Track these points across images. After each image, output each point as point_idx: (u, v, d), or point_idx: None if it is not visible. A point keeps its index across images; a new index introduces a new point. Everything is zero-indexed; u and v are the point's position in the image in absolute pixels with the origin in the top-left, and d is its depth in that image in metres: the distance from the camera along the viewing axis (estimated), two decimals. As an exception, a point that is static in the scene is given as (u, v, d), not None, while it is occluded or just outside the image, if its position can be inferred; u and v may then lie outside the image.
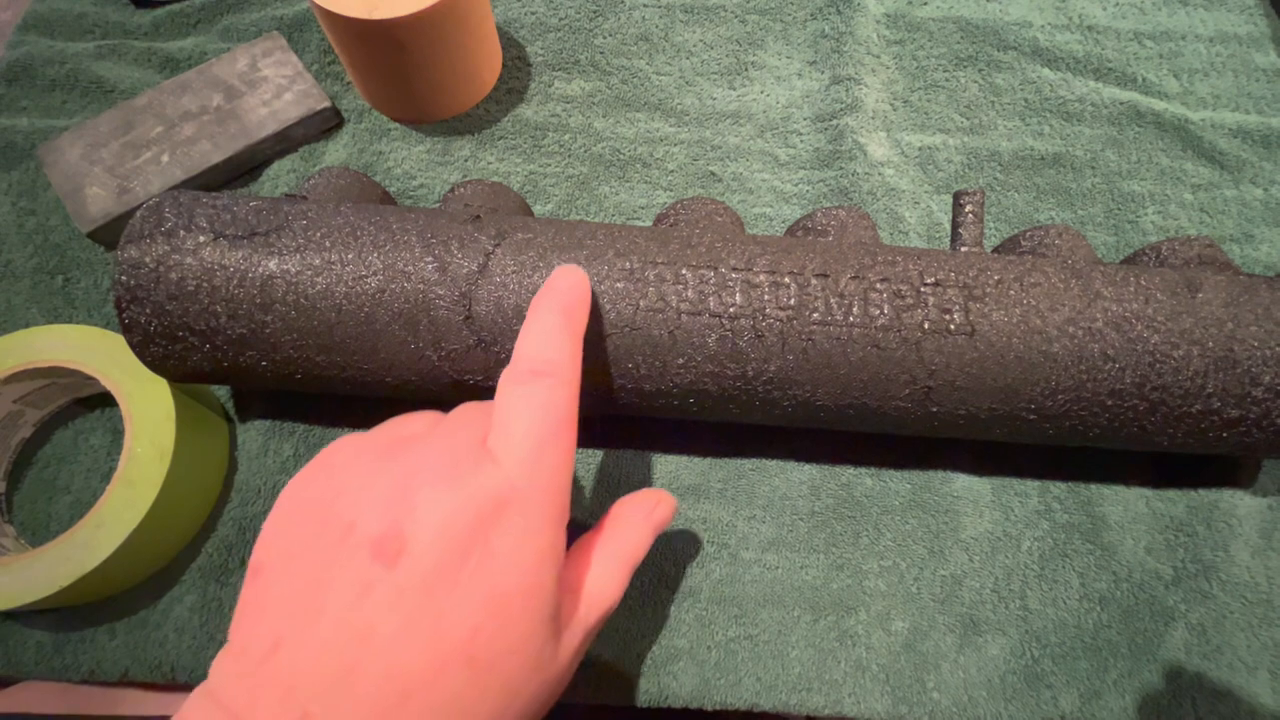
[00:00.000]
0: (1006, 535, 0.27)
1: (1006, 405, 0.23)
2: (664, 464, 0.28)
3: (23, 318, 0.29)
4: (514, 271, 0.22)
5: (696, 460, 0.28)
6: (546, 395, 0.18)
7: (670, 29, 0.36)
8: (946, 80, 0.35)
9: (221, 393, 0.28)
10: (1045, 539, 0.27)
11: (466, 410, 0.20)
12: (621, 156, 0.33)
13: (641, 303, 0.22)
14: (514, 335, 0.22)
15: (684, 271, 0.22)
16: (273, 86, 0.31)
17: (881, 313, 0.22)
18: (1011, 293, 0.22)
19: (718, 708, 0.25)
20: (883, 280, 0.22)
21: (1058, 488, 0.28)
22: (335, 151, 0.32)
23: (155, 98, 0.31)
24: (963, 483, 0.28)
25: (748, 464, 0.28)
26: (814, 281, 0.22)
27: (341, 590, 0.16)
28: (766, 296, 0.22)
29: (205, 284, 0.21)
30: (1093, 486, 0.28)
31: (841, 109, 0.34)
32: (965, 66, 0.36)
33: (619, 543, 0.20)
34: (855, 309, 0.22)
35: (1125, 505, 0.28)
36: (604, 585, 0.19)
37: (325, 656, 0.15)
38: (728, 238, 0.23)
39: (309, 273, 0.22)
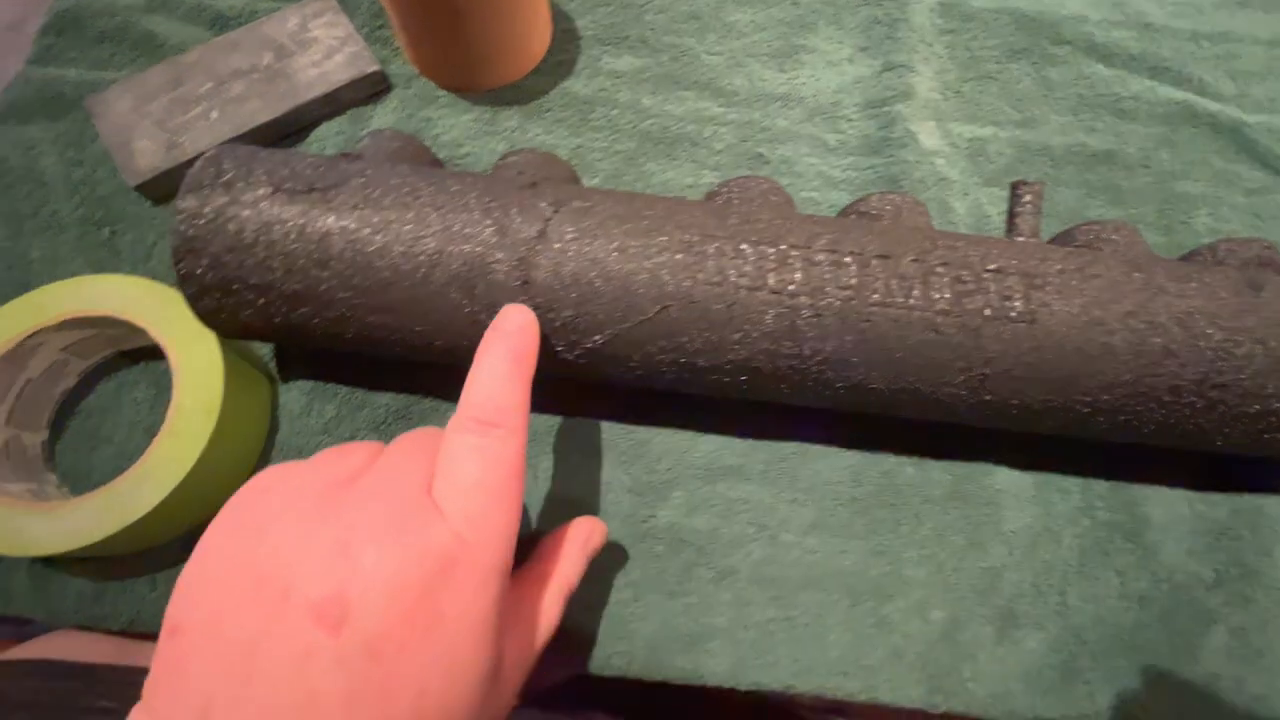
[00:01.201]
0: (1047, 530, 0.27)
1: (1061, 396, 0.22)
2: (705, 443, 0.28)
3: (68, 268, 0.29)
4: (573, 238, 0.22)
5: (738, 441, 0.28)
6: (497, 448, 0.18)
7: (721, 8, 0.36)
8: (999, 72, 0.35)
9: (263, 352, 0.28)
10: (1086, 536, 0.27)
11: (407, 445, 0.19)
12: (669, 134, 0.33)
13: (700, 275, 0.21)
14: (571, 303, 0.22)
15: (744, 246, 0.22)
16: (323, 48, 0.31)
17: (942, 297, 0.22)
18: (1073, 283, 0.22)
19: (752, 687, 0.25)
20: (944, 264, 0.22)
21: (1100, 485, 0.28)
22: (383, 116, 0.32)
23: (205, 54, 0.31)
24: (1004, 476, 0.28)
25: (789, 447, 0.28)
26: (875, 262, 0.22)
27: (280, 655, 0.15)
28: (827, 275, 0.22)
29: (263, 237, 0.21)
30: (1135, 486, 0.28)
31: (893, 96, 0.33)
32: (1018, 59, 0.35)
33: (558, 577, 0.21)
34: (916, 292, 0.22)
35: (1167, 506, 0.27)
36: (545, 620, 0.20)
37: None
38: (786, 216, 0.23)
39: (367, 230, 0.21)
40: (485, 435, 0.18)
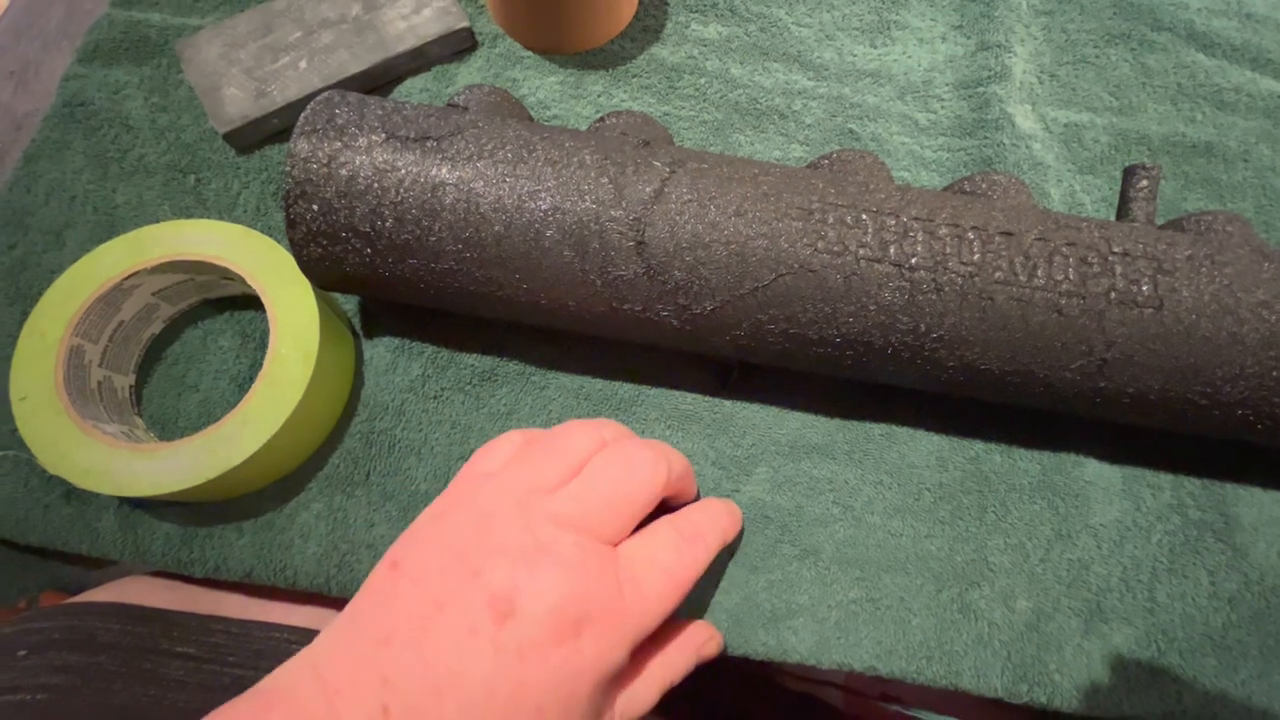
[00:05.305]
0: (1136, 525, 0.26)
1: (1180, 387, 0.22)
2: (790, 420, 0.27)
3: (154, 214, 0.28)
4: (690, 200, 0.21)
5: (824, 420, 0.27)
6: (691, 556, 0.21)
7: (811, -21, 0.35)
8: (1096, 57, 0.34)
9: (347, 307, 0.28)
10: (1176, 534, 0.26)
11: (627, 460, 0.21)
12: (758, 106, 0.32)
13: (819, 244, 0.21)
14: (684, 266, 0.21)
15: (864, 216, 0.21)
16: (412, 1, 0.31)
17: (1066, 278, 0.21)
18: (1203, 270, 0.21)
19: (835, 667, 0.24)
20: (1069, 244, 0.21)
21: (1191, 483, 0.27)
22: (468, 74, 0.31)
23: (294, 2, 0.30)
24: (1094, 468, 0.27)
25: (876, 428, 0.27)
26: (999, 239, 0.21)
27: (453, 622, 0.18)
28: (949, 250, 0.21)
29: (376, 184, 0.21)
30: (1227, 486, 0.27)
31: (989, 77, 0.32)
32: (1116, 44, 0.34)
33: (665, 668, 0.22)
34: (1040, 271, 0.21)
35: (1260, 508, 0.27)
36: (640, 701, 0.21)
37: (423, 670, 0.17)
38: (904, 188, 0.22)
39: (481, 183, 0.21)
40: (689, 543, 0.21)
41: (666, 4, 0.34)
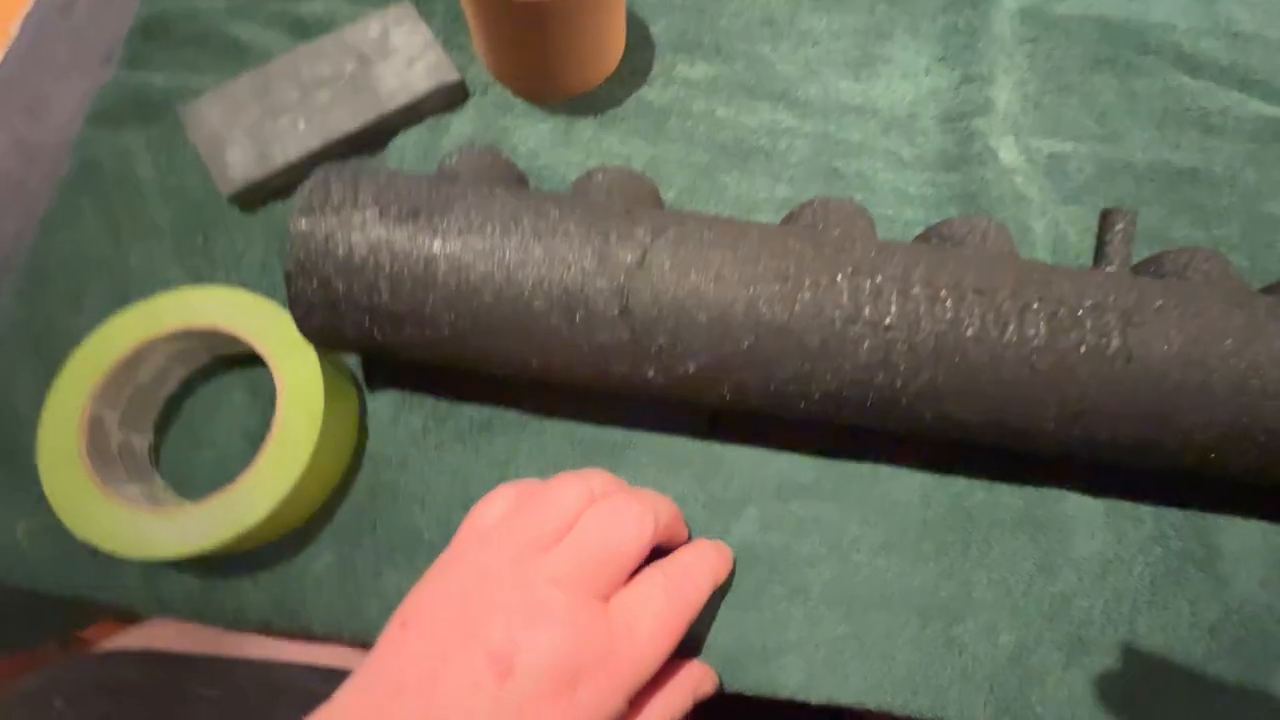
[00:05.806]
0: (1118, 558, 0.27)
1: (1154, 435, 0.22)
2: (777, 461, 0.28)
3: (164, 275, 0.30)
4: (671, 267, 0.22)
5: (809, 459, 0.28)
6: (683, 599, 0.22)
7: (795, 14, 0.35)
8: (1081, 83, 0.34)
9: (350, 361, 0.29)
10: (1158, 564, 0.27)
11: (616, 516, 0.22)
12: (744, 146, 0.33)
13: (796, 307, 0.22)
14: (668, 331, 0.22)
15: (840, 278, 0.22)
16: (404, 57, 0.31)
17: (1038, 333, 0.22)
18: (1172, 320, 0.22)
19: (824, 701, 0.25)
20: (1040, 299, 0.22)
21: (1173, 514, 0.28)
22: (461, 125, 0.32)
23: (291, 62, 0.31)
24: (1075, 501, 0.28)
25: (862, 468, 0.28)
26: (970, 296, 0.22)
27: (458, 675, 0.19)
28: (923, 310, 0.22)
29: (372, 259, 0.22)
30: (1209, 516, 0.28)
31: (972, 110, 0.33)
32: (1102, 69, 0.34)
33: (664, 709, 0.23)
34: (1011, 327, 0.22)
35: (1242, 538, 0.27)
36: None
37: None
38: (880, 245, 0.23)
39: (470, 256, 0.22)
40: (680, 587, 0.22)
41: (653, 45, 0.34)
